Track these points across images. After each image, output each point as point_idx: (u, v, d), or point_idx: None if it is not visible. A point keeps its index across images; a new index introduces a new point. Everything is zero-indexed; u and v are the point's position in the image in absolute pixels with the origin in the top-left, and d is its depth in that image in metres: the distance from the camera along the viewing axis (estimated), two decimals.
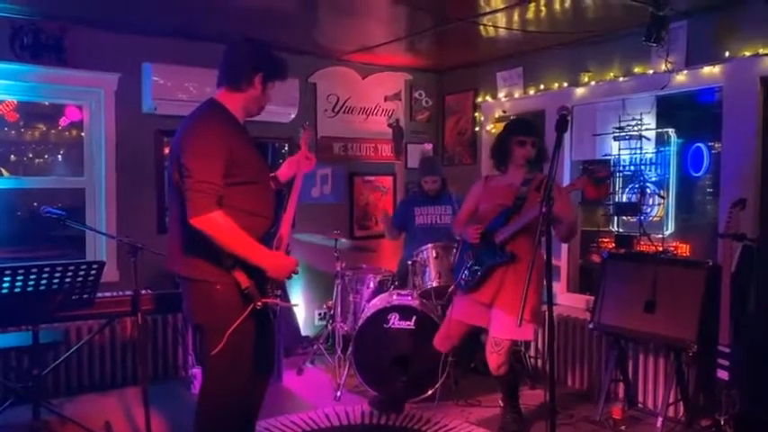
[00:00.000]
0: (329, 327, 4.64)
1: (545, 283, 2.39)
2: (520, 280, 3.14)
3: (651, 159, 4.16)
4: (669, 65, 3.80)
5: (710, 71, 3.67)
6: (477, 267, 3.34)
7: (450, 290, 3.73)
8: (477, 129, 5.34)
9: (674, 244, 4.11)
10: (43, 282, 2.83)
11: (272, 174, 2.64)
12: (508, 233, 3.24)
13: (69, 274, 2.90)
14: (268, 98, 2.53)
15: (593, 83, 4.33)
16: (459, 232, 3.52)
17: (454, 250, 3.89)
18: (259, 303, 2.35)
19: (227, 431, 2.44)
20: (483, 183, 3.60)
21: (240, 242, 2.28)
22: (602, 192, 2.74)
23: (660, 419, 3.37)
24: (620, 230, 4.31)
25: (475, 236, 3.31)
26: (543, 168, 3.41)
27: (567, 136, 4.31)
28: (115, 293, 3.53)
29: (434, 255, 4.03)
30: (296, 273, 2.47)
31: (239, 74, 2.43)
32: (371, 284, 4.36)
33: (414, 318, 3.90)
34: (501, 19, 3.95)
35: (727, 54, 3.60)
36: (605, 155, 4.39)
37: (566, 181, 4.42)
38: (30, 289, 2.81)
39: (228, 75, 2.45)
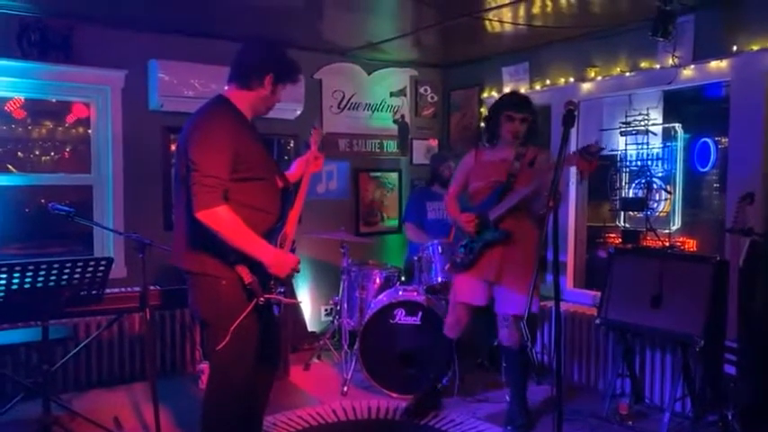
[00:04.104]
0: (335, 322, 4.65)
1: (552, 278, 2.39)
2: (522, 258, 3.23)
3: (658, 154, 4.15)
4: (676, 59, 3.78)
5: (718, 66, 3.65)
6: (472, 245, 3.36)
7: (446, 267, 3.70)
8: (482, 124, 5.33)
9: (681, 239, 4.10)
10: (52, 278, 2.84)
11: (283, 174, 2.64)
12: (502, 210, 3.25)
13: (78, 270, 2.91)
14: (277, 99, 2.53)
15: (599, 78, 4.32)
16: (453, 217, 3.50)
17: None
18: (261, 299, 2.36)
19: (232, 425, 2.46)
20: (474, 157, 3.52)
21: (243, 237, 2.29)
22: (593, 165, 2.83)
23: (667, 415, 3.37)
24: (627, 226, 4.30)
25: (471, 227, 3.32)
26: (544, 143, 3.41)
27: (573, 131, 4.30)
28: (123, 289, 3.56)
29: (440, 250, 4.03)
30: (297, 271, 2.48)
31: (250, 73, 2.43)
32: (377, 280, 4.37)
33: (420, 313, 3.90)
34: (507, 14, 3.94)
35: (734, 48, 3.57)
36: (612, 150, 4.38)
37: (571, 177, 4.42)
38: (39, 285, 2.82)
39: (239, 73, 2.45)
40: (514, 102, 3.40)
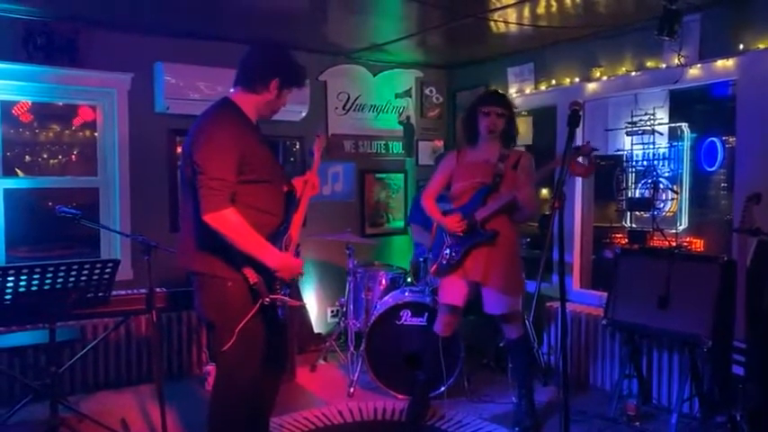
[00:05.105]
0: (342, 324, 4.65)
1: (558, 279, 2.39)
2: (506, 258, 3.31)
3: (664, 154, 4.14)
4: (682, 59, 3.76)
5: (724, 65, 3.63)
6: (458, 247, 3.35)
7: (432, 270, 3.69)
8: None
9: (688, 239, 4.08)
10: (59, 280, 2.85)
11: (288, 178, 2.64)
12: (489, 212, 3.26)
13: (85, 272, 2.92)
14: (283, 103, 2.54)
15: (604, 78, 4.30)
16: (435, 218, 3.47)
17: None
18: (267, 299, 2.37)
19: (238, 426, 2.47)
20: (456, 157, 3.50)
21: (250, 240, 2.31)
22: (588, 170, 2.93)
23: (675, 416, 3.35)
24: (634, 226, 4.29)
25: (460, 227, 3.30)
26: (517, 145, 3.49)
27: (578, 131, 4.28)
28: (130, 291, 3.56)
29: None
30: (301, 274, 2.50)
31: (256, 77, 2.45)
32: (384, 281, 4.37)
33: (426, 314, 3.90)
34: (511, 14, 3.94)
35: (741, 47, 3.55)
36: (618, 150, 4.36)
37: (577, 181, 4.41)
38: (46, 287, 2.84)
39: (246, 76, 2.47)
40: (488, 97, 3.47)
